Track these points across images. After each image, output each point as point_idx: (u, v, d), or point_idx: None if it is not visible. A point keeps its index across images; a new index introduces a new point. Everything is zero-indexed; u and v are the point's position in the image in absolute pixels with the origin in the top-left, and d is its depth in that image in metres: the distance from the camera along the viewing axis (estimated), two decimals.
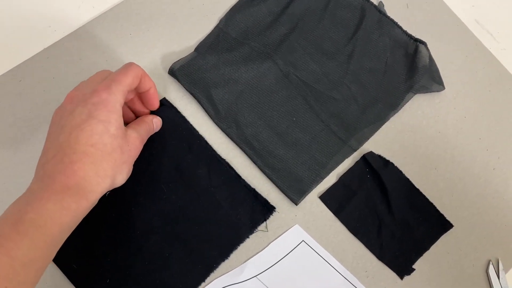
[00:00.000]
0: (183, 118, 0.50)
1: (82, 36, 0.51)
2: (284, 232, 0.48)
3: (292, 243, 0.48)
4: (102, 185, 0.37)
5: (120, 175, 0.39)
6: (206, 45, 0.53)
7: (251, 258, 0.47)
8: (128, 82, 0.40)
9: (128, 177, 0.40)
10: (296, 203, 0.49)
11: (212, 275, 0.46)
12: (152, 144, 0.47)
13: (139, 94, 0.45)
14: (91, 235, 0.45)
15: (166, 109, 0.49)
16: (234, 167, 0.49)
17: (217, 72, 0.51)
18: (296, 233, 0.49)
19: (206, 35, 0.53)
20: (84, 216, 0.37)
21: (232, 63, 0.52)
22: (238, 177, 0.49)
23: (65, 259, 0.44)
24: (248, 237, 0.47)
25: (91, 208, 0.37)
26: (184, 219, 0.47)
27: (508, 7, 0.61)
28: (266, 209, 0.48)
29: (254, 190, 0.48)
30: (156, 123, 0.46)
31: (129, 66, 0.41)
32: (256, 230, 0.48)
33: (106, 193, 0.45)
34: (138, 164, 0.44)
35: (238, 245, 0.47)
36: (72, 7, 0.53)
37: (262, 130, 0.51)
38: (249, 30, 0.54)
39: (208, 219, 0.47)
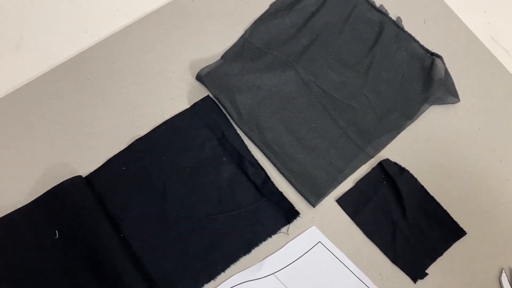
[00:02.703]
0: (222, 113, 0.53)
1: (116, 42, 0.55)
2: (302, 233, 0.50)
3: (309, 244, 0.50)
4: None
5: None
6: (231, 54, 0.56)
7: (269, 256, 0.49)
8: None
9: None
10: (313, 205, 0.51)
11: (232, 269, 0.48)
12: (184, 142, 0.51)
13: None
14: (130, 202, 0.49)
15: (207, 108, 0.53)
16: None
17: (241, 79, 0.54)
18: (313, 234, 0.50)
19: (232, 44, 0.56)
20: None
21: (256, 71, 0.55)
22: (268, 179, 0.51)
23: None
24: (270, 236, 0.49)
25: None
26: (213, 210, 0.50)
27: None
28: (290, 213, 0.50)
29: (281, 193, 0.51)
30: None
31: None
32: (279, 231, 0.50)
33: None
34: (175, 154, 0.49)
35: (260, 242, 0.49)
36: (108, 15, 0.56)
37: (283, 135, 0.53)
38: (272, 41, 0.57)
39: (235, 213, 0.50)
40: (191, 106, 0.53)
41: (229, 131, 0.52)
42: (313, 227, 0.50)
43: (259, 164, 0.52)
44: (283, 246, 0.49)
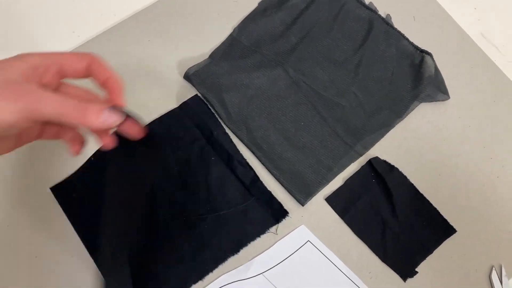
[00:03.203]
0: (210, 113, 0.53)
1: (103, 41, 0.54)
2: (291, 232, 0.50)
3: (298, 243, 0.50)
4: None
5: None
6: (220, 52, 0.56)
7: (258, 256, 0.49)
8: (60, 58, 0.35)
9: (11, 119, 0.31)
10: (302, 204, 0.50)
11: (220, 269, 0.48)
12: (173, 135, 0.51)
13: (104, 88, 0.38)
14: (114, 211, 0.46)
15: (196, 107, 0.53)
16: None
17: (229, 78, 0.54)
18: (302, 233, 0.50)
19: (220, 43, 0.56)
20: None
21: (244, 70, 0.55)
22: (257, 178, 0.51)
23: (89, 233, 0.47)
24: (259, 236, 0.49)
25: None
26: (201, 210, 0.49)
27: None
28: (279, 213, 0.50)
29: (270, 192, 0.51)
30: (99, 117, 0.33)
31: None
32: (267, 231, 0.50)
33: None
34: (166, 150, 0.48)
35: (249, 242, 0.49)
36: (95, 14, 0.56)
37: (271, 134, 0.53)
38: (261, 39, 0.57)
39: (224, 213, 0.49)
40: (180, 105, 0.53)
41: (217, 130, 0.52)
42: (302, 226, 0.50)
43: (248, 164, 0.51)
44: (271, 246, 0.49)
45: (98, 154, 0.49)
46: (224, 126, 0.53)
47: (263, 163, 0.52)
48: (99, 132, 0.37)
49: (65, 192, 0.49)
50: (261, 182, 0.51)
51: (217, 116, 0.53)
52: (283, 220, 0.50)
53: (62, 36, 0.55)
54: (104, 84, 0.37)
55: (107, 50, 0.54)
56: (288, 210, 0.50)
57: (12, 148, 0.36)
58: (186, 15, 0.57)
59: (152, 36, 0.55)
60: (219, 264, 0.48)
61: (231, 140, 0.52)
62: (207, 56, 0.55)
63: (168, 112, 0.52)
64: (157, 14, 0.57)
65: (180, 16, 0.57)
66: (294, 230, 0.50)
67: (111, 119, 0.34)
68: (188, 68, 0.53)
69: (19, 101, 0.30)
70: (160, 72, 0.54)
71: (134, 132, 0.37)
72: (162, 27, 0.56)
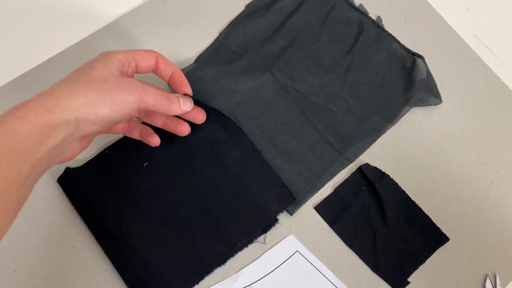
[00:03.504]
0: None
1: (85, 47, 0.53)
2: (279, 242, 0.48)
3: (287, 253, 0.48)
4: (70, 101, 0.33)
5: (98, 102, 0.35)
6: (205, 57, 0.54)
7: (245, 267, 0.47)
8: (136, 54, 0.41)
9: (111, 112, 0.36)
10: (291, 213, 0.49)
11: (206, 281, 0.46)
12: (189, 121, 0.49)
13: (170, 81, 0.45)
14: (124, 199, 0.47)
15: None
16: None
17: (215, 83, 0.52)
18: (290, 243, 0.49)
19: (206, 48, 0.55)
20: (52, 132, 0.33)
21: (231, 75, 0.53)
22: (268, 165, 0.50)
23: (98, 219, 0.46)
24: (247, 246, 0.48)
25: (58, 128, 0.33)
26: (213, 196, 0.48)
27: (506, 23, 0.62)
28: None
29: (282, 181, 0.50)
30: (182, 102, 0.43)
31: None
32: (256, 241, 0.48)
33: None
34: (174, 139, 0.48)
35: (236, 252, 0.47)
36: (77, 20, 0.55)
37: (259, 140, 0.51)
38: (248, 43, 0.55)
39: (237, 199, 0.48)
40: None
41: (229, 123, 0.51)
42: (291, 236, 0.49)
43: (259, 152, 0.50)
44: (259, 257, 0.48)
45: (114, 147, 0.49)
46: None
47: None
48: (175, 121, 0.47)
49: (73, 182, 0.48)
50: (272, 168, 0.50)
51: None
52: (271, 229, 0.48)
53: (42, 42, 0.53)
54: (170, 77, 0.45)
55: (90, 56, 0.52)
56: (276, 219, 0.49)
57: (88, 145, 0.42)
58: (170, 19, 0.56)
59: (136, 41, 0.54)
60: (205, 276, 0.46)
61: (241, 129, 0.51)
62: (192, 61, 0.54)
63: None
64: (141, 19, 0.55)
65: (164, 20, 0.55)
66: (282, 240, 0.49)
67: (186, 106, 0.44)
68: None
69: (133, 93, 0.37)
70: (144, 78, 0.52)
71: (199, 118, 0.47)
72: (146, 31, 0.55)
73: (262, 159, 0.50)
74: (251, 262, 0.47)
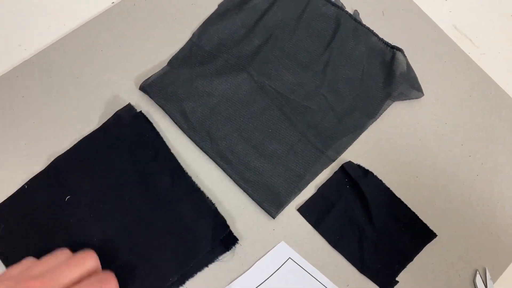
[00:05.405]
0: (150, 126, 0.49)
1: (52, 54, 0.51)
2: (271, 249, 0.46)
3: (279, 261, 0.46)
4: None
5: None
6: (179, 59, 0.52)
7: (237, 279, 0.45)
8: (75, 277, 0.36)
9: None
10: (273, 216, 0.47)
11: None
12: (116, 150, 0.46)
13: None
14: (46, 237, 0.43)
15: (132, 117, 0.48)
16: (208, 180, 0.48)
17: (190, 86, 0.51)
18: (282, 250, 0.47)
19: (179, 49, 0.53)
20: None
21: (206, 76, 0.51)
22: (200, 192, 0.47)
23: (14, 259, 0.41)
24: (207, 266, 0.45)
25: None
26: (142, 228, 0.45)
27: (485, 12, 0.61)
28: (229, 239, 0.46)
29: (216, 209, 0.46)
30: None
31: (84, 263, 0.38)
32: (217, 259, 0.45)
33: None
34: (101, 169, 0.44)
35: (196, 273, 0.44)
36: (42, 26, 0.52)
37: (237, 143, 0.49)
38: (222, 43, 0.53)
39: (167, 230, 0.45)
40: (113, 116, 0.48)
41: (160, 148, 0.48)
42: (282, 243, 0.47)
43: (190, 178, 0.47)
44: (251, 266, 0.46)
45: (34, 180, 0.45)
46: (187, 138, 0.49)
47: (229, 175, 0.48)
48: None
49: None
50: (209, 206, 0.46)
51: (178, 127, 0.50)
52: (254, 234, 0.47)
53: (6, 50, 0.51)
54: None
55: (57, 63, 0.50)
56: (258, 223, 0.47)
57: None
58: (141, 21, 0.54)
59: (105, 45, 0.52)
60: (165, 285, 0.43)
61: (171, 153, 0.48)
62: (165, 64, 0.52)
63: (102, 126, 0.48)
64: (110, 22, 0.53)
65: (135, 22, 0.53)
66: (274, 247, 0.46)
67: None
68: (145, 79, 0.50)
69: None
70: (115, 83, 0.50)
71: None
72: (116, 35, 0.53)
73: (193, 185, 0.47)
74: (242, 274, 0.45)
